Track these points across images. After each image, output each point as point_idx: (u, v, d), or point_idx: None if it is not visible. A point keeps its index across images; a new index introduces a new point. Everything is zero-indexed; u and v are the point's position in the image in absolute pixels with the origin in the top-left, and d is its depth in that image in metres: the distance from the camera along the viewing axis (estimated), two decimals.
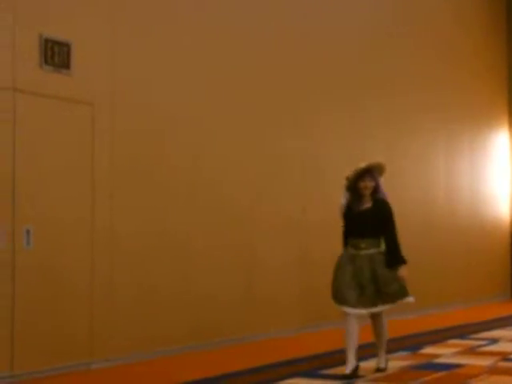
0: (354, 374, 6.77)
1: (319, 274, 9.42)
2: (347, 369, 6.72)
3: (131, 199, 7.91)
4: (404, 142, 12.36)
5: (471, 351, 8.42)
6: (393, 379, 6.78)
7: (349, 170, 6.93)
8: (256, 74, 9.57)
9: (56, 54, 7.21)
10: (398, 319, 11.53)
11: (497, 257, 14.86)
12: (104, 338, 7.57)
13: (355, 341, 6.75)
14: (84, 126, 7.47)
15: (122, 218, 7.79)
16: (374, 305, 6.80)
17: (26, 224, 6.93)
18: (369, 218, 6.80)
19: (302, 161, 10.16)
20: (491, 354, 8.18)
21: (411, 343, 9.06)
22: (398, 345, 8.86)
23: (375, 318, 7.07)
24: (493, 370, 7.20)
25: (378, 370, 7.11)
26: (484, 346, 8.80)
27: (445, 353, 8.28)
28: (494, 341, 9.13)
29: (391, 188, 11.94)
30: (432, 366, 7.44)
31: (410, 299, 6.97)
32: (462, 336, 9.69)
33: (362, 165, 6.82)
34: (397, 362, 7.63)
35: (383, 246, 6.87)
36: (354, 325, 6.72)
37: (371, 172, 6.86)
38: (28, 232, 6.93)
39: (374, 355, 7.24)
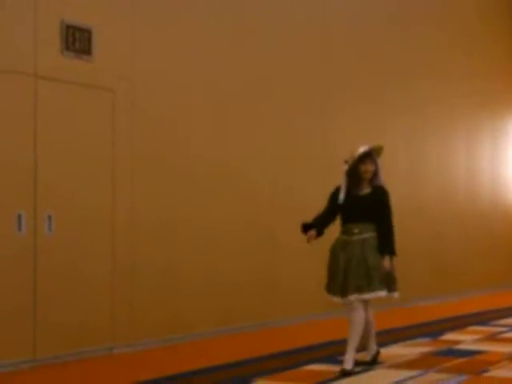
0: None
1: None
2: (346, 365, 6.41)
3: (152, 185, 7.93)
4: (425, 129, 12.33)
5: (492, 338, 8.39)
6: (413, 365, 6.77)
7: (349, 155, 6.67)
8: (278, 60, 9.55)
9: (77, 40, 7.22)
10: (418, 306, 11.54)
11: None
12: (126, 322, 7.62)
13: (362, 330, 6.45)
14: (105, 111, 7.49)
15: (143, 203, 7.82)
16: (359, 291, 6.37)
17: (48, 210, 6.97)
18: (368, 204, 6.50)
19: (322, 146, 10.14)
20: None
21: (432, 329, 9.04)
22: (419, 331, 8.86)
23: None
24: None
25: (362, 363, 6.70)
26: (505, 332, 8.77)
27: (465, 339, 8.26)
28: None
29: (412, 173, 12.00)
30: (452, 352, 7.42)
31: (395, 295, 6.51)
32: (482, 322, 9.66)
33: (363, 148, 6.51)
34: (417, 348, 7.63)
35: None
36: (357, 313, 6.42)
37: (372, 156, 6.56)
38: (50, 218, 6.97)
39: (395, 341, 7.21)
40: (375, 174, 6.56)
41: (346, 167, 6.56)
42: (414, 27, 12.17)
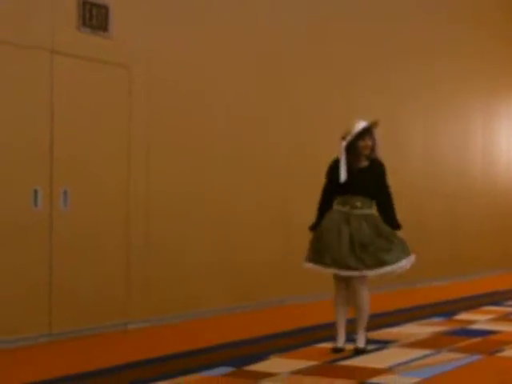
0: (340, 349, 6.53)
1: None
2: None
3: (168, 161, 7.94)
4: (442, 108, 12.27)
5: (506, 318, 8.39)
6: (427, 345, 6.78)
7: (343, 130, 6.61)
8: (299, 38, 9.51)
9: (94, 16, 7.21)
10: (432, 285, 11.53)
11: None
12: (140, 298, 7.66)
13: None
14: (121, 88, 7.49)
15: (159, 180, 7.84)
16: (380, 265, 6.27)
17: (64, 185, 6.99)
18: (367, 177, 6.45)
19: (338, 124, 10.10)
20: None
21: (445, 309, 9.05)
22: (432, 310, 8.86)
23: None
24: None
25: (356, 350, 6.47)
26: None
27: (479, 319, 8.26)
28: None
29: (429, 152, 11.95)
30: (466, 332, 7.43)
31: (403, 263, 6.34)
32: (496, 303, 9.65)
33: (362, 124, 6.45)
34: (431, 328, 7.64)
35: (375, 209, 6.49)
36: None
37: (370, 131, 6.49)
38: (65, 193, 6.99)
39: (409, 320, 7.20)
40: (372, 148, 6.55)
41: (344, 143, 6.52)
42: (433, 9, 12.08)
